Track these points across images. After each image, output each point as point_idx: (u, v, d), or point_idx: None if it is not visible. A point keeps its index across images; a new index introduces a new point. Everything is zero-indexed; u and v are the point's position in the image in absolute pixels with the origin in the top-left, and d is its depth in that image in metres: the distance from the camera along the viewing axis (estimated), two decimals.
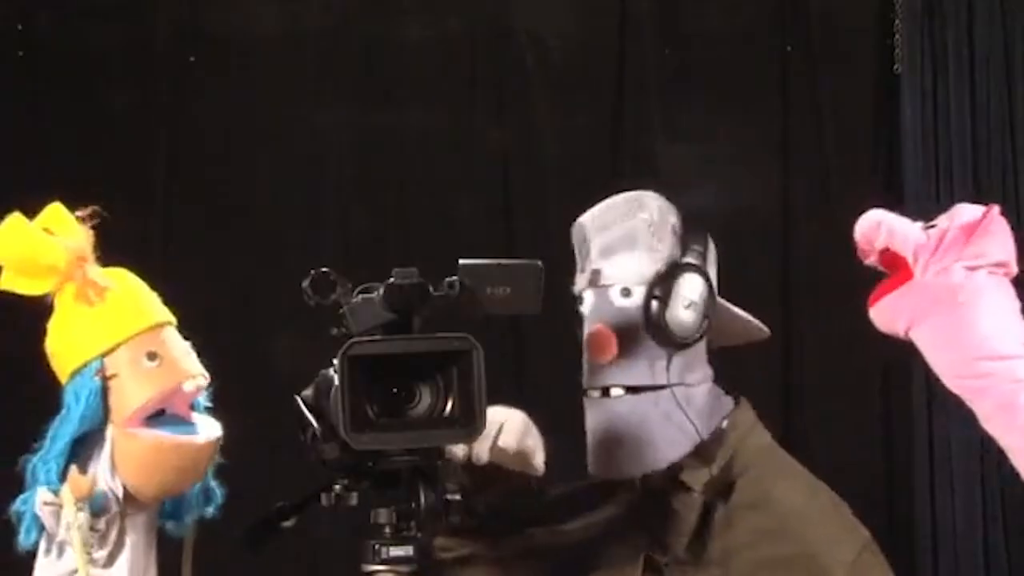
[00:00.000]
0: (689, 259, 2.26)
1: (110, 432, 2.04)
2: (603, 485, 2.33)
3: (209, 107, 4.57)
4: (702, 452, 2.25)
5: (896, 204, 4.69)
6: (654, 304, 2.23)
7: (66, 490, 1.99)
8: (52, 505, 2.01)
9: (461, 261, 2.05)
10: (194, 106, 4.57)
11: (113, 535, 2.05)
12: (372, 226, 4.59)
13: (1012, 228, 2.13)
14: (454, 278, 2.03)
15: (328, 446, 1.98)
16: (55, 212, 2.11)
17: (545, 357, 4.61)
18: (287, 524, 2.09)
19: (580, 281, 2.32)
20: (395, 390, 1.99)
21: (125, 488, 2.03)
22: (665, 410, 2.23)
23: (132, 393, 2.03)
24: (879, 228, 2.15)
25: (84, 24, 4.53)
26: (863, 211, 2.16)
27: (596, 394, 2.27)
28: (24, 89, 4.46)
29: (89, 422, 2.03)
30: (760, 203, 4.67)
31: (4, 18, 4.47)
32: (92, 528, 2.02)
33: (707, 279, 2.26)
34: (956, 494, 4.69)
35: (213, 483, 2.16)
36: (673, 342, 2.23)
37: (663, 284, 2.23)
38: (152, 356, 2.04)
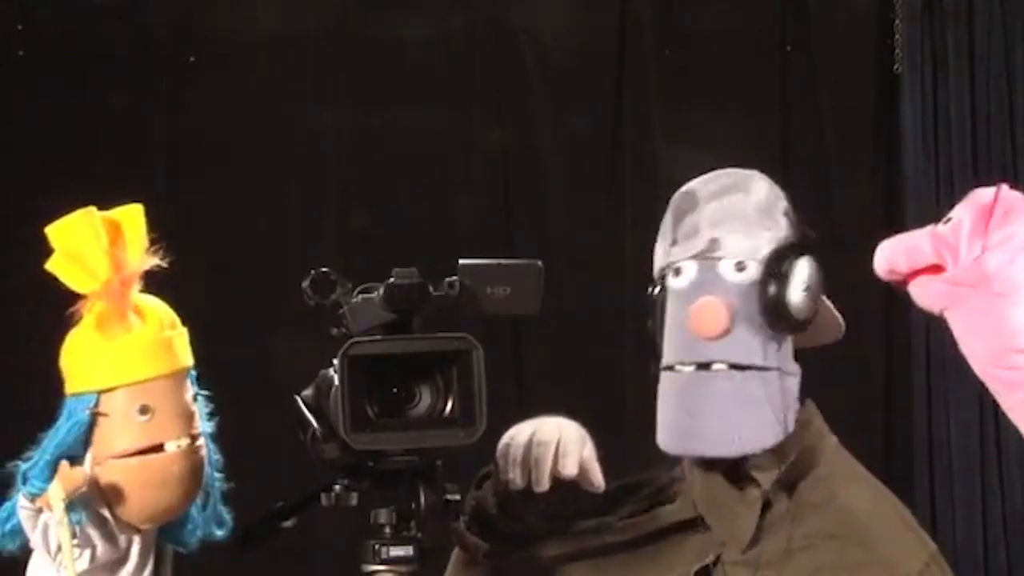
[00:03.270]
0: (804, 242, 2.17)
1: (89, 460, 2.04)
2: (655, 479, 2.27)
3: (209, 107, 4.57)
4: (774, 447, 2.15)
5: (896, 204, 4.74)
6: (773, 282, 2.12)
7: (55, 486, 1.99)
8: (29, 510, 2.01)
9: (461, 261, 2.05)
10: (194, 106, 4.58)
11: (95, 555, 2.03)
12: (372, 226, 4.59)
13: None
14: (454, 278, 2.03)
15: (328, 446, 1.98)
16: (135, 213, 2.09)
17: (545, 358, 4.62)
18: (287, 524, 2.09)
19: (677, 252, 2.18)
20: (395, 390, 1.98)
21: (112, 511, 2.03)
22: (771, 393, 2.12)
23: (114, 440, 2.01)
24: (895, 257, 2.10)
25: (84, 24, 4.53)
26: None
27: (688, 368, 2.14)
28: (24, 89, 4.46)
29: (69, 449, 2.03)
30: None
31: (4, 18, 4.47)
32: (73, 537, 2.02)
33: (818, 266, 2.15)
34: (956, 496, 4.69)
35: (222, 508, 2.14)
36: (788, 324, 2.13)
37: (782, 263, 2.13)
38: (144, 410, 2.01)
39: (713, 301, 2.13)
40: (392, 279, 1.99)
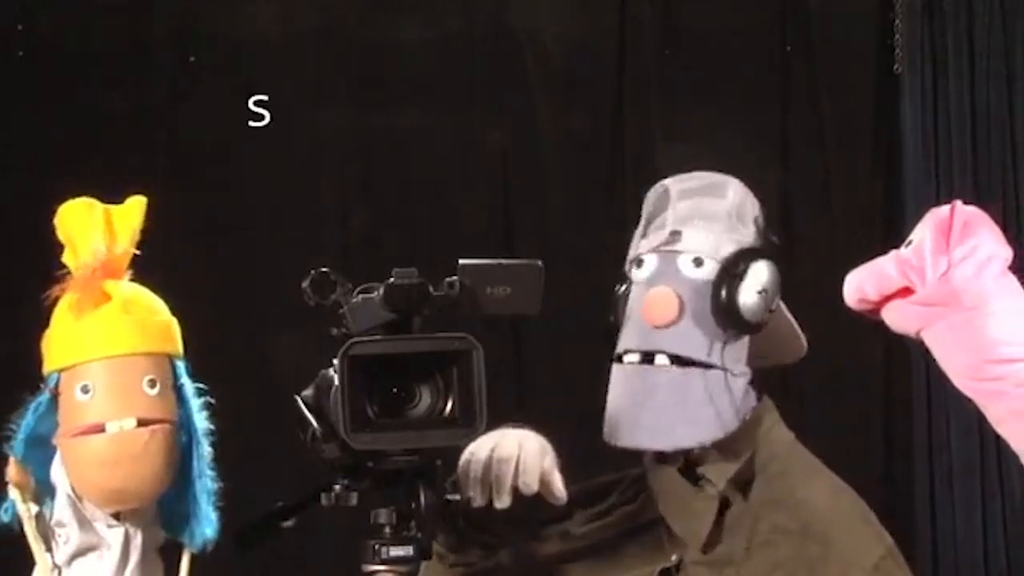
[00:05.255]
0: (766, 248, 2.21)
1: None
2: (614, 482, 2.29)
3: (209, 107, 4.57)
4: (725, 445, 2.18)
5: (896, 204, 4.74)
6: (728, 281, 2.16)
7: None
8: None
9: (461, 261, 2.05)
10: (194, 106, 4.57)
11: (75, 540, 2.04)
12: (372, 226, 4.59)
13: (1012, 228, 2.12)
14: (454, 278, 2.03)
15: (328, 446, 1.98)
16: (134, 207, 2.10)
17: (545, 358, 4.62)
18: (287, 524, 2.09)
19: (643, 245, 2.24)
20: (395, 390, 1.98)
21: (76, 493, 2.04)
22: (711, 390, 2.16)
23: (65, 417, 2.04)
24: (863, 286, 2.12)
25: (84, 24, 4.53)
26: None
27: (635, 358, 2.20)
28: (24, 89, 4.46)
29: (38, 428, 2.05)
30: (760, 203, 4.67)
31: (4, 18, 4.47)
32: (49, 526, 2.04)
33: (778, 272, 2.20)
34: (956, 496, 4.69)
35: (209, 508, 2.14)
36: (736, 324, 2.16)
37: (739, 264, 2.17)
38: (85, 389, 2.02)
39: (666, 291, 2.18)
40: (392, 279, 1.99)
